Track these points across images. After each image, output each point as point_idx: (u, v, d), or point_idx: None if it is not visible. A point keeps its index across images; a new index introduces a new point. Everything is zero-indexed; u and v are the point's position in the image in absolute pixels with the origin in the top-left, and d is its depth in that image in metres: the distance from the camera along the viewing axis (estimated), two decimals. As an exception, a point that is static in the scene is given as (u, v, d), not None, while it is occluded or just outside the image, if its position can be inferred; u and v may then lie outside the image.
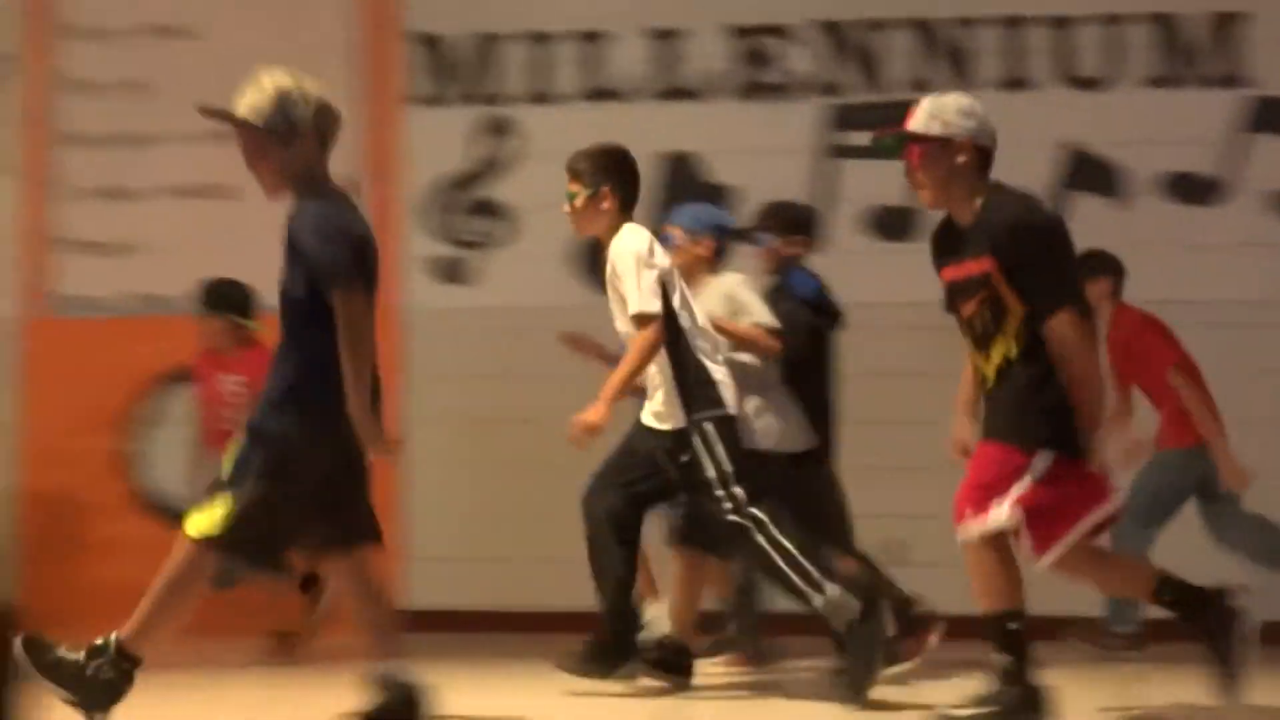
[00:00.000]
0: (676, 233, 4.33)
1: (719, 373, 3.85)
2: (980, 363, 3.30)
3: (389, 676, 3.05)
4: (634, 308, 3.73)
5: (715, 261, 4.33)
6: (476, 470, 5.51)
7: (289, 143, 3.10)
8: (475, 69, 5.83)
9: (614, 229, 3.88)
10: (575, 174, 3.93)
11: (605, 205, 3.88)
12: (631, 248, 3.81)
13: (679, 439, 3.81)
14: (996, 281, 3.20)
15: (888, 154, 3.61)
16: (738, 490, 3.73)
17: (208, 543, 3.00)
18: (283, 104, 3.10)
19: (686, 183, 5.65)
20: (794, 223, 4.59)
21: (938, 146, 3.26)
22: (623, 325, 3.87)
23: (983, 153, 3.29)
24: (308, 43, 5.67)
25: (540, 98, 5.80)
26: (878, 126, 4.87)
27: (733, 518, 3.72)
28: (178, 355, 5.33)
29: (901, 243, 5.48)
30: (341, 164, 5.46)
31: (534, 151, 5.66)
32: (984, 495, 3.12)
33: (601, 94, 5.76)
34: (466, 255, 5.78)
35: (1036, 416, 3.18)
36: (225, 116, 3.18)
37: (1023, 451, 3.13)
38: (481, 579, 5.47)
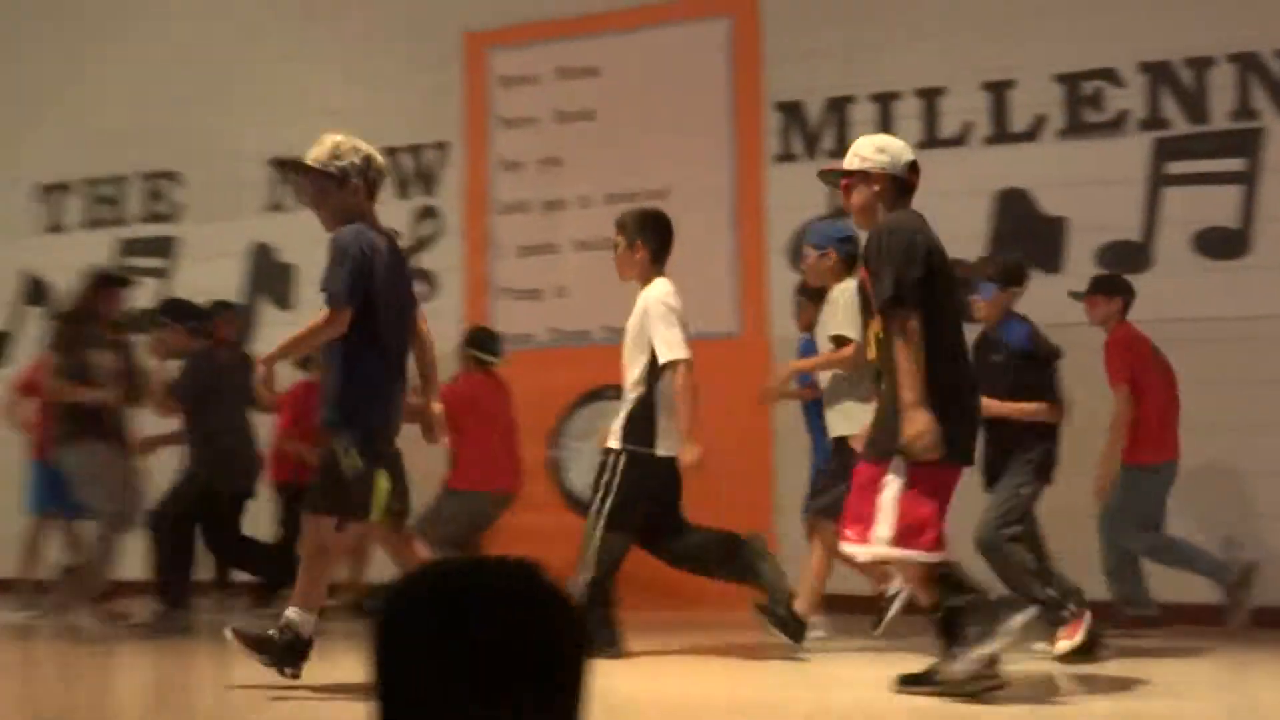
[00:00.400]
0: (808, 250, 4.90)
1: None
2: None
3: None
4: (668, 356, 4.40)
5: (842, 271, 4.75)
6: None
7: (342, 186, 3.79)
8: (827, 128, 6.48)
9: (646, 277, 4.58)
10: (620, 228, 4.69)
11: (639, 256, 4.56)
12: (664, 298, 4.49)
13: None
14: (868, 289, 3.70)
15: (831, 184, 4.06)
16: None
17: None
18: (338, 156, 3.79)
19: (1021, 216, 6.07)
20: (1014, 273, 4.71)
21: (859, 178, 3.74)
22: (631, 356, 4.53)
23: (897, 181, 3.72)
24: (688, 116, 6.57)
25: (885, 149, 6.39)
26: (1203, 155, 5.37)
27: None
28: (589, 379, 6.33)
29: (1229, 261, 5.68)
30: (714, 213, 6.41)
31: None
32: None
33: (939, 142, 6.25)
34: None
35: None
36: (295, 165, 3.95)
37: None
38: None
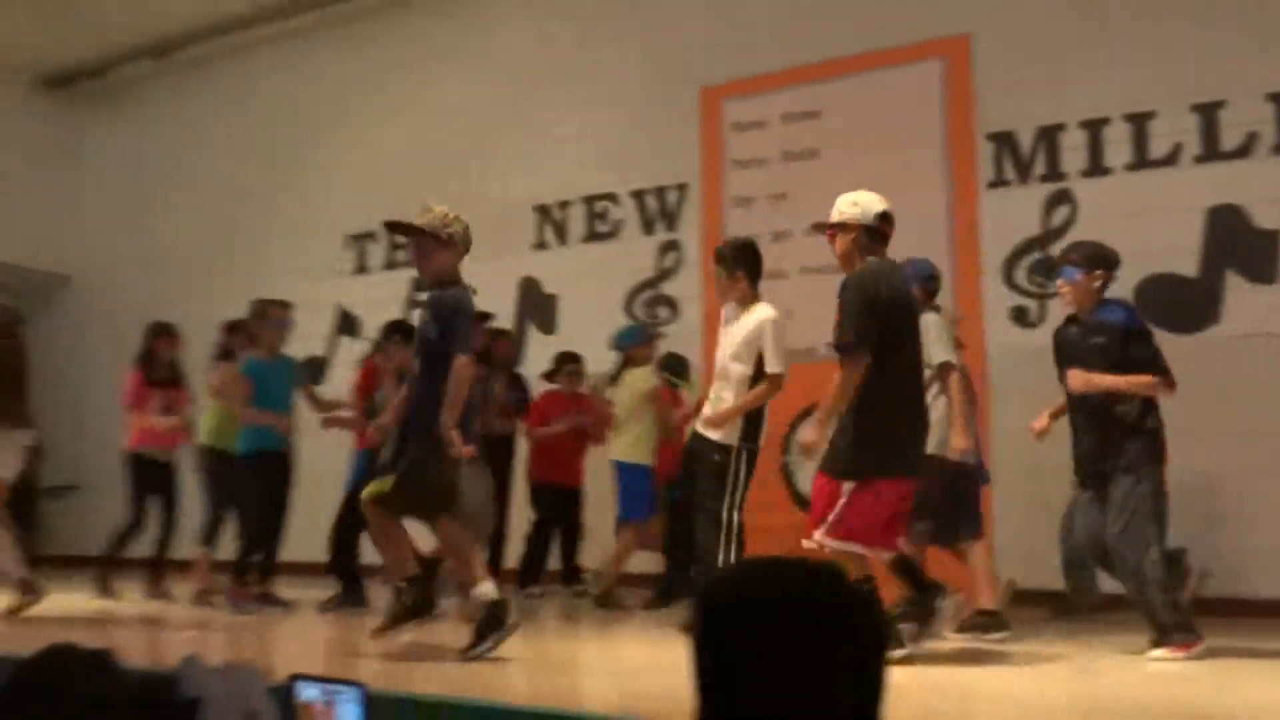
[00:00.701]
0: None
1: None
2: None
3: None
4: (776, 369, 4.99)
5: (925, 303, 5.13)
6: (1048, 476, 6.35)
7: (446, 248, 4.41)
8: (1038, 155, 6.76)
9: (746, 300, 5.07)
10: (719, 258, 5.20)
11: (739, 284, 5.07)
12: (776, 319, 5.03)
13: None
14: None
15: (821, 233, 4.51)
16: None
17: None
18: (446, 224, 4.42)
19: (1234, 231, 6.17)
20: (1098, 258, 4.60)
21: (838, 229, 4.28)
22: (735, 362, 5.02)
23: (869, 231, 4.22)
24: (904, 149, 7.00)
25: (1094, 172, 6.60)
26: None
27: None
28: (815, 392, 6.80)
29: None
30: (930, 238, 6.81)
31: (1086, 217, 6.49)
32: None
33: (1149, 163, 6.42)
34: (1034, 303, 6.68)
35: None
36: (407, 227, 4.55)
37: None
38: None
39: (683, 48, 7.99)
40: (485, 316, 6.99)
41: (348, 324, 9.20)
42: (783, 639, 1.07)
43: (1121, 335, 4.41)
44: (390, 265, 9.18)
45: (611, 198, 8.23)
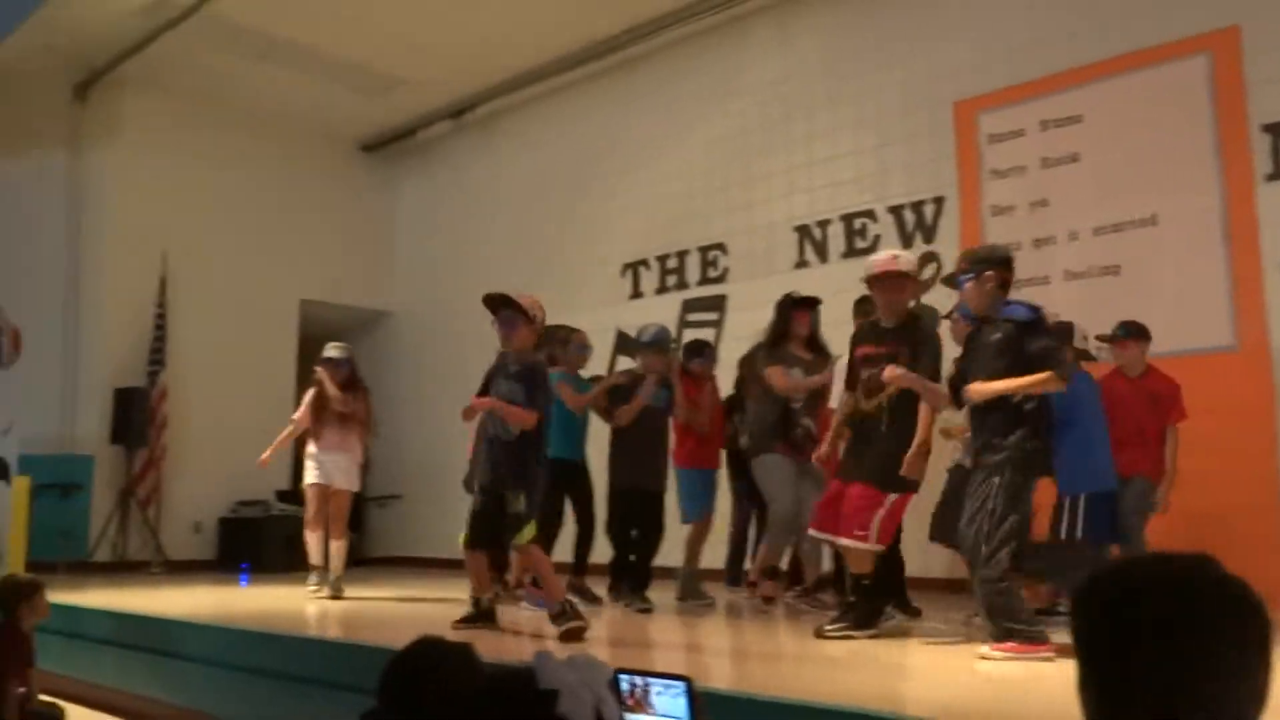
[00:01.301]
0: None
1: None
2: None
3: None
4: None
5: None
6: None
7: (529, 324, 5.03)
8: (1320, 142, 6.24)
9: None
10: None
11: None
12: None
13: None
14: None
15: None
16: None
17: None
18: (536, 307, 5.06)
19: None
20: (986, 260, 4.45)
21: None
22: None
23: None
24: (1171, 147, 6.62)
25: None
26: None
27: None
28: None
29: None
30: (1204, 234, 6.40)
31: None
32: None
33: None
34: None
35: None
36: (505, 300, 5.04)
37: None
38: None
39: (933, 65, 7.91)
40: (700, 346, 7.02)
41: (625, 345, 9.59)
42: (1181, 632, 1.04)
43: (1017, 331, 4.25)
44: (662, 290, 9.52)
45: (869, 214, 8.22)
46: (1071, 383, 5.28)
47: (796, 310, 6.11)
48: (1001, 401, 4.19)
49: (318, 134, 11.70)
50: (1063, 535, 5.26)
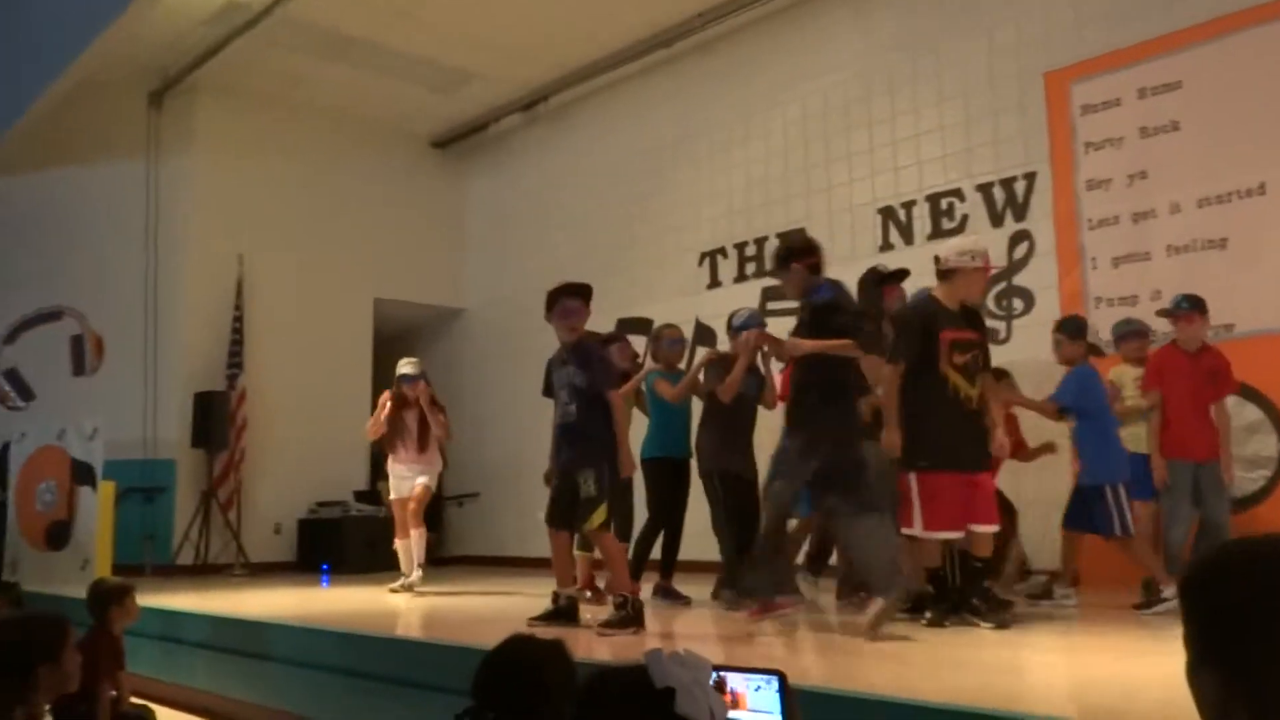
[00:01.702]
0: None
1: None
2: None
3: None
4: None
5: None
6: None
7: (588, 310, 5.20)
8: None
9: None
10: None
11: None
12: None
13: None
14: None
15: None
16: None
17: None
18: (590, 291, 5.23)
19: None
20: (787, 254, 4.93)
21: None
22: None
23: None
24: (1279, 106, 6.34)
25: None
26: None
27: None
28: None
29: None
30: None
31: None
32: None
33: None
34: None
35: None
36: (576, 289, 5.18)
37: None
38: None
39: (1021, 35, 7.72)
40: None
41: (703, 335, 9.53)
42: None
43: (818, 309, 4.68)
44: (740, 278, 9.44)
45: (956, 193, 8.05)
46: (1084, 377, 5.68)
47: (886, 286, 5.92)
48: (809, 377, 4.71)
49: (389, 131, 11.84)
50: (1118, 530, 5.40)
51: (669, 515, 6.43)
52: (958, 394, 4.80)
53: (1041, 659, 4.07)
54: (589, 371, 5.15)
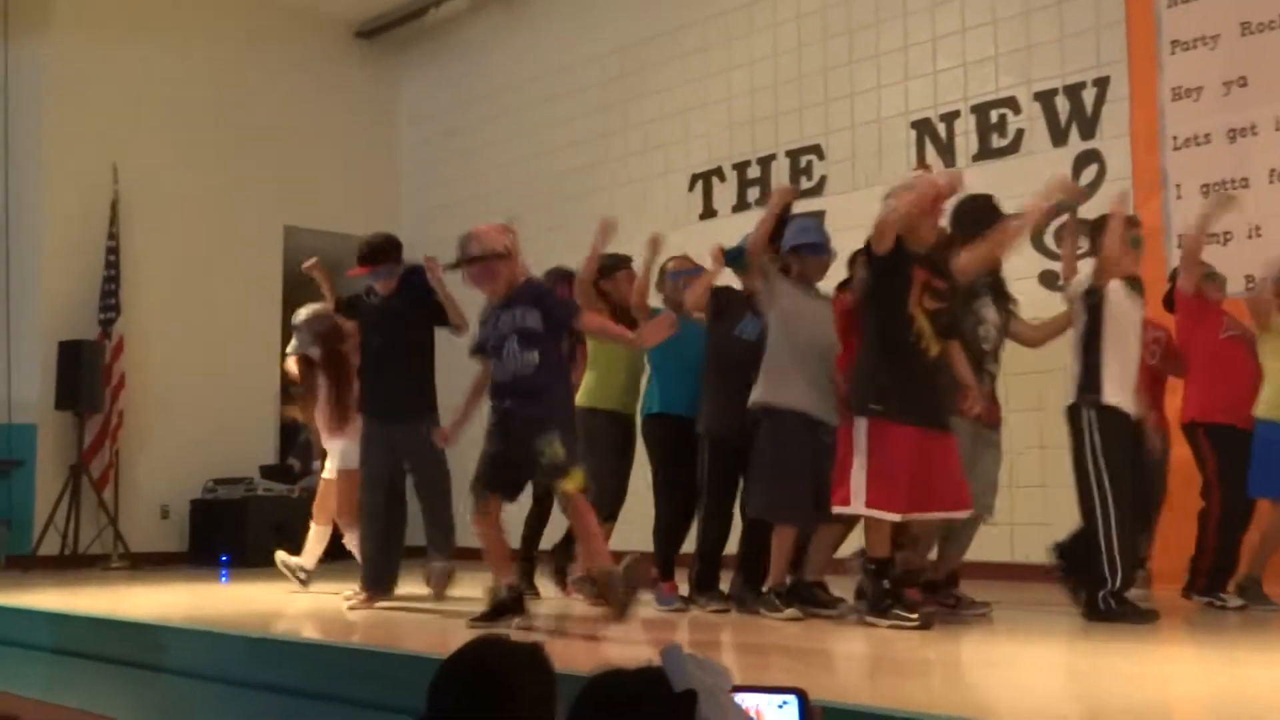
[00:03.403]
0: None
1: None
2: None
3: None
4: None
5: None
6: None
7: (507, 261, 5.25)
8: None
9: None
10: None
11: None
12: None
13: None
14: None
15: None
16: None
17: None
18: (499, 238, 5.29)
19: None
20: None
21: None
22: None
23: None
24: None
25: None
26: None
27: None
28: None
29: None
30: None
31: None
32: None
33: None
34: None
35: None
36: (471, 261, 5.24)
37: None
38: None
39: (1096, -95, 7.64)
40: None
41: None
42: None
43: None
44: (740, 206, 9.42)
45: (1009, 103, 8.04)
46: None
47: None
48: None
49: (303, 15, 11.68)
50: None
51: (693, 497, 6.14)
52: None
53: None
54: (545, 307, 5.22)
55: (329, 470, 7.21)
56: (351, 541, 7.01)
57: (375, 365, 6.44)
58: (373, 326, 6.52)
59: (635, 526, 6.38)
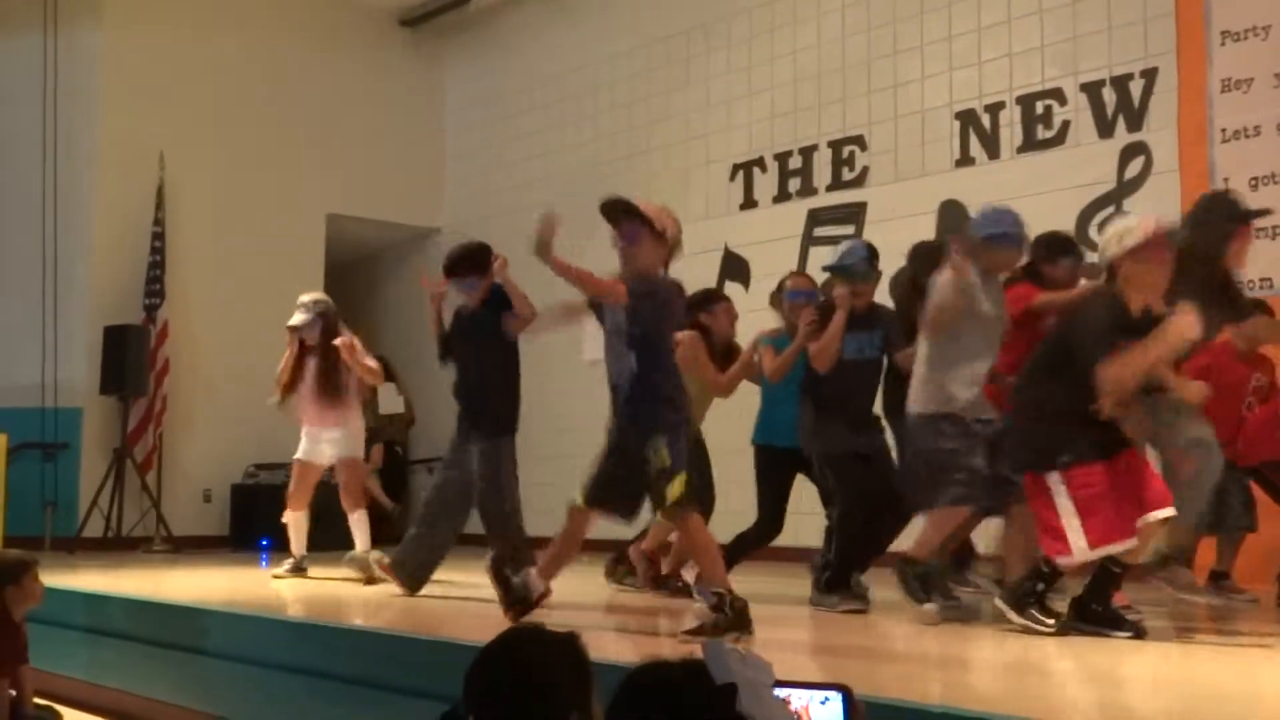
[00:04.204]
0: None
1: None
2: None
3: None
4: None
5: None
6: None
7: (659, 243, 4.81)
8: None
9: None
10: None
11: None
12: None
13: None
14: None
15: None
16: None
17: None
18: (663, 217, 4.89)
19: None
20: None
21: None
22: None
23: None
24: None
25: None
26: None
27: None
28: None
29: None
30: None
31: None
32: None
33: None
34: None
35: None
36: (629, 209, 4.85)
37: None
38: None
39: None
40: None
41: (733, 267, 9.47)
42: None
43: None
44: (781, 197, 9.38)
45: (1055, 94, 7.97)
46: None
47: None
48: None
49: (348, 4, 11.72)
50: None
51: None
52: None
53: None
54: (649, 308, 4.80)
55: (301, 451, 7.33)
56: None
57: (461, 379, 6.27)
58: (458, 340, 6.30)
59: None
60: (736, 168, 9.70)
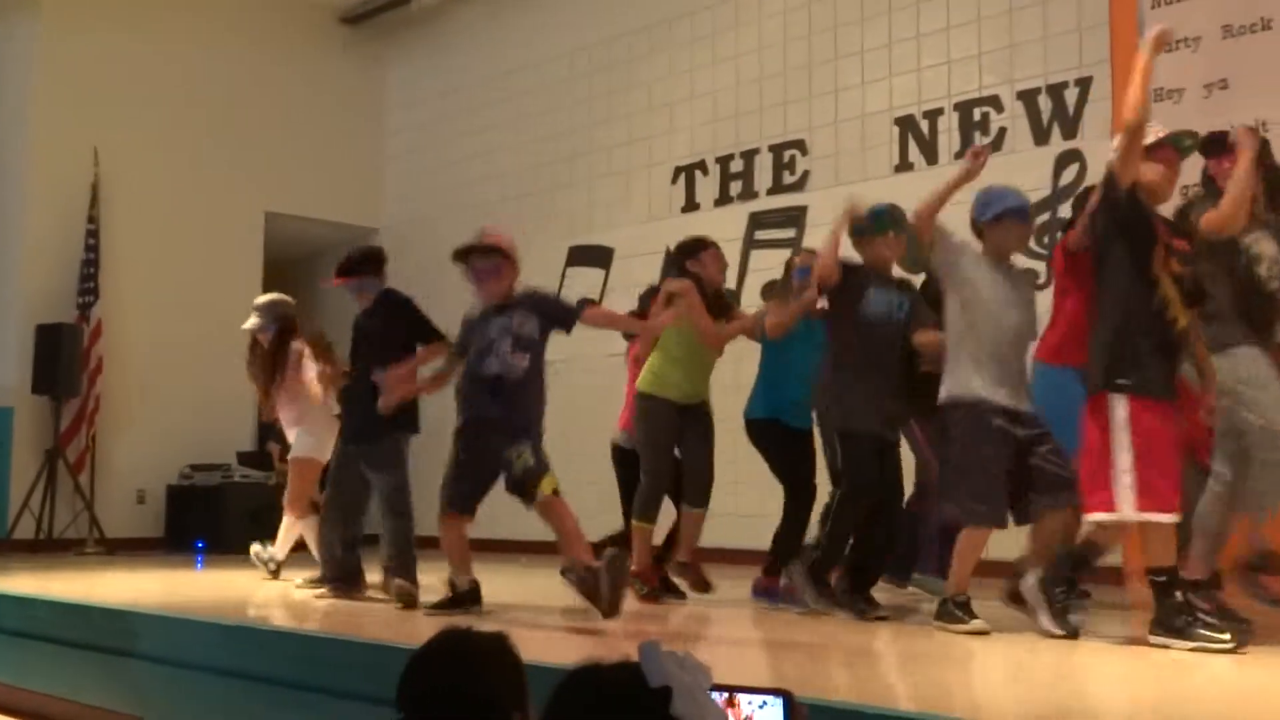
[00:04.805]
0: None
1: None
2: None
3: None
4: None
5: None
6: None
7: (514, 270, 5.50)
8: None
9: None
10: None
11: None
12: None
13: None
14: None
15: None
16: None
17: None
18: (513, 248, 5.51)
19: None
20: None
21: None
22: None
23: None
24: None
25: None
26: None
27: None
28: None
29: None
30: None
31: None
32: None
33: None
34: None
35: None
36: (490, 249, 5.42)
37: None
38: None
39: (1081, -95, 7.64)
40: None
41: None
42: None
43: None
44: (723, 200, 9.41)
45: (992, 101, 8.05)
46: None
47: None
48: None
49: (287, 3, 11.61)
50: None
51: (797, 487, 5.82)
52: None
53: None
54: (545, 314, 5.38)
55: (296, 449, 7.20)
56: (306, 531, 7.02)
57: (352, 384, 6.32)
58: (354, 345, 6.36)
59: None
60: (678, 170, 9.71)
